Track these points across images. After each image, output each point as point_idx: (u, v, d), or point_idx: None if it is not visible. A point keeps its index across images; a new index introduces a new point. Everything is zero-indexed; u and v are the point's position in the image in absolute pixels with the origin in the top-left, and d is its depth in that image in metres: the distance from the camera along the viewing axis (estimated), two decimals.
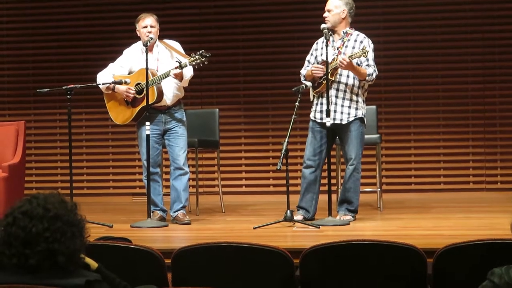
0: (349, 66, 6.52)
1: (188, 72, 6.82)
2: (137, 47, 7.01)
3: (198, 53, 6.62)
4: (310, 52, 6.98)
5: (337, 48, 6.74)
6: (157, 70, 6.82)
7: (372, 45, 6.77)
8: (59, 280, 2.69)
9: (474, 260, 3.70)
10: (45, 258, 2.68)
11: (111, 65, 7.08)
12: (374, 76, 6.67)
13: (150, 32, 6.80)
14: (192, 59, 6.62)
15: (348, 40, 6.77)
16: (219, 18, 9.86)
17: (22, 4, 10.13)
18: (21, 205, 2.73)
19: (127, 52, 7.08)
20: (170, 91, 6.89)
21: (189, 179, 7.01)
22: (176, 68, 6.62)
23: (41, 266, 2.69)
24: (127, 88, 6.86)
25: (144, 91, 6.73)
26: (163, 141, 7.02)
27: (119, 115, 7.03)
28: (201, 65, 6.67)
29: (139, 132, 6.98)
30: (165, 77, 6.70)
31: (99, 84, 6.94)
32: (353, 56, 6.51)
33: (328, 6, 6.80)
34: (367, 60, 6.62)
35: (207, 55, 6.61)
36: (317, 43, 6.96)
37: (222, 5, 9.87)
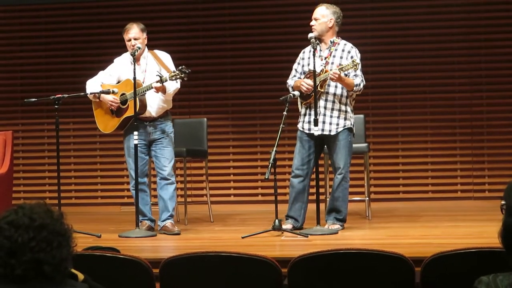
0: (338, 79, 6.53)
1: (172, 86, 6.82)
2: (127, 56, 7.03)
3: (178, 68, 6.66)
4: (297, 61, 6.98)
5: (325, 58, 6.75)
6: (143, 82, 6.83)
7: (359, 55, 6.79)
8: None
9: (461, 268, 3.70)
10: (31, 268, 2.66)
11: (101, 73, 7.11)
12: (361, 86, 6.67)
13: (134, 45, 6.82)
14: (172, 74, 6.66)
15: (336, 49, 6.78)
16: (207, 27, 9.86)
17: (9, 13, 10.11)
18: (7, 215, 2.72)
19: (117, 61, 7.12)
20: (155, 103, 6.90)
21: (175, 189, 7.00)
22: (157, 82, 6.65)
23: (28, 276, 2.67)
24: (113, 98, 6.87)
25: (128, 102, 6.80)
26: (150, 152, 7.03)
27: (104, 123, 7.08)
28: (181, 80, 6.72)
29: (125, 142, 7.01)
30: (148, 89, 6.73)
31: (87, 93, 6.96)
32: (343, 69, 6.51)
33: (315, 14, 6.81)
34: (355, 70, 6.62)
35: (187, 71, 6.65)
36: (303, 52, 6.96)
37: (210, 15, 9.86)
